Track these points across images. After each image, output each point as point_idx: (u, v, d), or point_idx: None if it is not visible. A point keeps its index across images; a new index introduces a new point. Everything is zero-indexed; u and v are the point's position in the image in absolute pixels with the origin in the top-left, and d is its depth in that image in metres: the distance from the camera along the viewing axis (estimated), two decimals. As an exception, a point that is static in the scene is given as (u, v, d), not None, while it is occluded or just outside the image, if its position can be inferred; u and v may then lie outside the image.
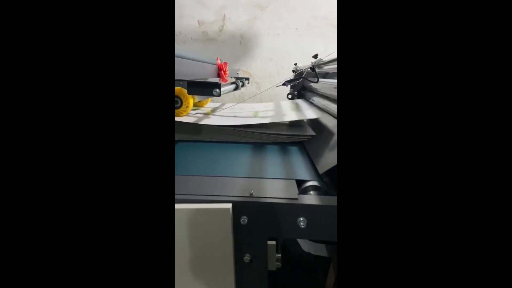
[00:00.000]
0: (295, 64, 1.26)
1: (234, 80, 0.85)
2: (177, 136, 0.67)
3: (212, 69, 0.73)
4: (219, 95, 0.47)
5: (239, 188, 0.40)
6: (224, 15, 1.72)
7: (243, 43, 1.77)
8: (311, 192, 0.42)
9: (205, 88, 0.46)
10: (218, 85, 0.46)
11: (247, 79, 1.15)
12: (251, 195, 0.38)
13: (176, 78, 0.44)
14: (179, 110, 0.72)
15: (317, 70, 0.82)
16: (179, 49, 0.51)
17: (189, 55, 0.65)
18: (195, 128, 0.67)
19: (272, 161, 0.52)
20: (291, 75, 1.41)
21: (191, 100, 0.73)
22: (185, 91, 0.72)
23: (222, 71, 0.78)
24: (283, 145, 0.63)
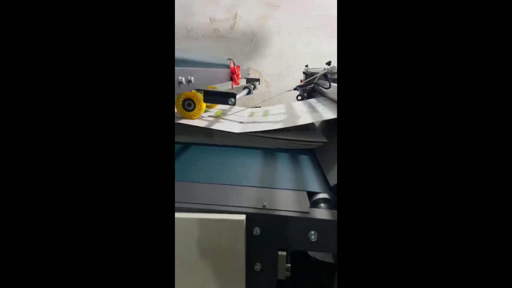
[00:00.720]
0: (306, 66, 1.26)
1: (245, 83, 0.86)
2: (188, 139, 0.68)
3: (225, 73, 0.74)
4: (234, 104, 0.48)
5: (251, 198, 0.42)
6: (236, 13, 1.71)
7: (254, 41, 1.77)
8: (322, 204, 0.43)
9: (221, 97, 0.47)
10: (233, 95, 0.47)
11: (258, 80, 1.15)
12: (264, 207, 0.39)
13: (195, 87, 0.45)
14: (192, 112, 0.74)
15: (329, 76, 0.82)
16: (195, 54, 0.52)
17: (204, 58, 0.67)
18: (208, 132, 0.68)
19: (283, 170, 0.53)
20: (301, 76, 1.42)
21: (203, 104, 0.74)
22: (199, 94, 0.73)
23: (235, 75, 0.78)
24: (293, 153, 0.64)
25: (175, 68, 0.39)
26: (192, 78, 0.41)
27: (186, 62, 0.58)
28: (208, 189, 0.45)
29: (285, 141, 0.66)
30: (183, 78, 0.38)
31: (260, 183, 0.47)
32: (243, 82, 1.01)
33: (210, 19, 1.72)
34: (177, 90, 0.37)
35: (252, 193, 0.44)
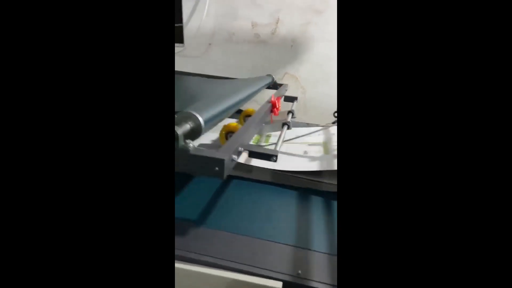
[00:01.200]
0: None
1: (285, 117, 0.88)
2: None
3: (266, 108, 0.77)
4: (275, 161, 0.52)
5: (286, 262, 0.46)
6: (278, 18, 1.70)
7: (294, 47, 1.76)
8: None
9: (264, 156, 0.52)
10: (275, 155, 0.51)
11: (296, 98, 1.16)
12: (298, 275, 0.43)
13: (240, 147, 0.49)
14: (233, 144, 0.78)
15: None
16: (244, 90, 0.55)
17: (251, 89, 0.70)
18: (247, 167, 0.73)
19: (317, 223, 0.57)
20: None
21: (244, 135, 0.78)
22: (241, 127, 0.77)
23: (275, 108, 0.82)
24: (327, 197, 0.67)
25: (230, 145, 0.44)
26: (242, 148, 0.46)
27: (235, 106, 0.63)
28: (242, 243, 0.49)
29: (319, 183, 0.69)
30: (236, 156, 0.43)
31: (293, 238, 0.51)
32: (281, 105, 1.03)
33: (252, 23, 1.73)
34: (230, 165, 0.42)
35: (286, 254, 0.48)
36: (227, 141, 0.47)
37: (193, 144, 0.40)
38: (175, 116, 0.44)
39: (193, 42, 1.76)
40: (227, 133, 0.78)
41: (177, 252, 0.46)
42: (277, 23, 1.69)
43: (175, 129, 0.40)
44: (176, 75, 1.15)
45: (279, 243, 0.50)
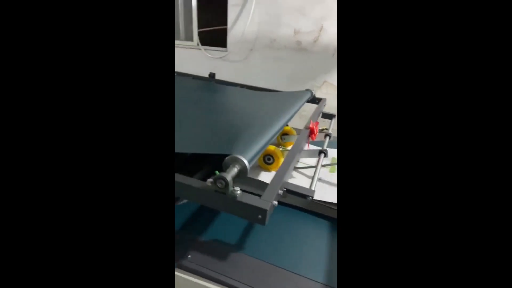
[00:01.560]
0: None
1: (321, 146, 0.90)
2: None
3: (305, 135, 0.80)
4: (311, 201, 0.56)
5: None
6: (322, 26, 1.69)
7: (335, 56, 1.74)
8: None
9: (300, 195, 0.56)
10: (311, 195, 0.55)
11: (334, 115, 1.17)
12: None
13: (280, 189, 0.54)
14: (271, 166, 0.83)
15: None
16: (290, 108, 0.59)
17: (296, 107, 0.74)
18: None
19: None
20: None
21: (281, 159, 0.82)
22: (278, 151, 0.82)
23: (313, 134, 0.84)
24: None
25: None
26: (281, 192, 0.51)
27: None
28: (270, 272, 0.54)
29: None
30: (276, 202, 0.47)
31: (322, 275, 0.55)
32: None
33: (294, 30, 1.73)
34: (271, 211, 0.47)
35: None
36: (269, 184, 0.51)
37: (240, 191, 0.45)
38: (225, 159, 0.50)
39: (235, 48, 1.81)
40: (265, 155, 0.82)
41: (207, 272, 0.53)
42: (320, 31, 1.68)
43: (224, 175, 0.45)
44: (218, 85, 1.21)
45: (307, 278, 0.55)
